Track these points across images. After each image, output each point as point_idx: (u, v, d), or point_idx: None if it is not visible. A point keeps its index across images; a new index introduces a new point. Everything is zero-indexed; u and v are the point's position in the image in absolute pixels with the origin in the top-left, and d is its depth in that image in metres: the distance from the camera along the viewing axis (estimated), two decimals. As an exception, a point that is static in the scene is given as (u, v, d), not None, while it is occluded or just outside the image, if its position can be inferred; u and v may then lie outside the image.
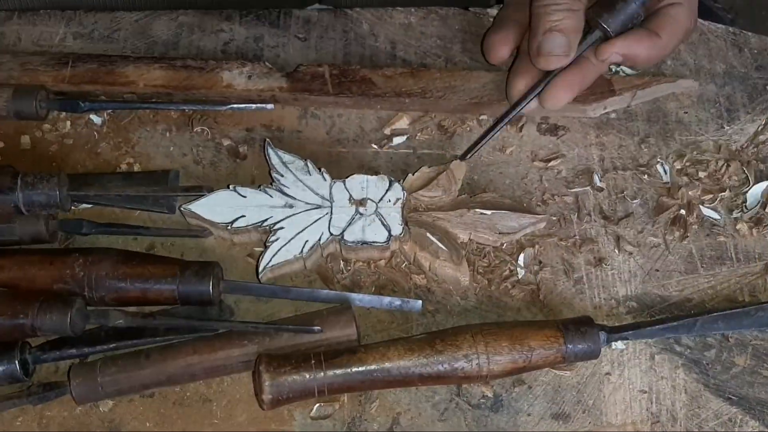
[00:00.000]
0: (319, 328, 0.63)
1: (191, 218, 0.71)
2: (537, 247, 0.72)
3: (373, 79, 0.78)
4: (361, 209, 0.70)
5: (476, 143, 0.74)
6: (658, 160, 0.77)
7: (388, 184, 0.71)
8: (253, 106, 0.78)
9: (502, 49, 0.76)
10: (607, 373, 0.67)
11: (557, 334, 0.64)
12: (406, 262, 0.72)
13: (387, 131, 0.78)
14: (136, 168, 0.77)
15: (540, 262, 0.72)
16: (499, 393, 0.67)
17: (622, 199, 0.75)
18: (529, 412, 0.66)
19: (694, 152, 0.77)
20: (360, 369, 0.60)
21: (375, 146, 0.78)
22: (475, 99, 0.77)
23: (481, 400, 0.66)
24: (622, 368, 0.68)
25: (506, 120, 0.74)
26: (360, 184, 0.71)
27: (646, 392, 0.67)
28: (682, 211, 0.74)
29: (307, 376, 0.60)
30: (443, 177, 0.72)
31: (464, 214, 0.71)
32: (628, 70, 0.81)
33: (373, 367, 0.60)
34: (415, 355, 0.61)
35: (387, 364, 0.60)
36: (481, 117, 0.79)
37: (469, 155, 0.74)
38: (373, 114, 0.79)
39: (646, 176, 0.76)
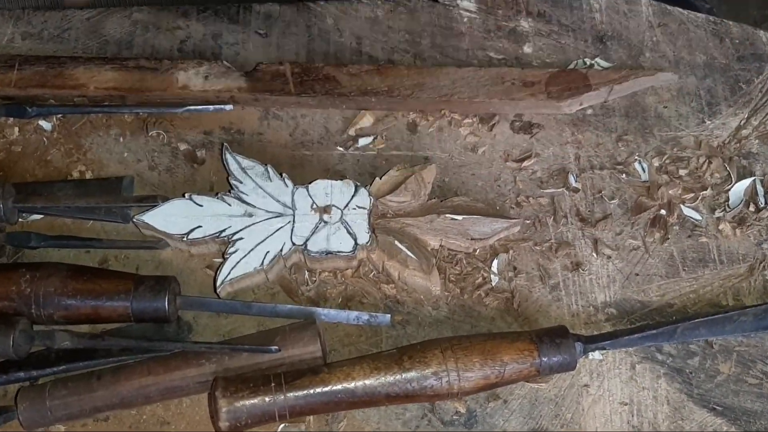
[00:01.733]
0: (276, 348, 0.60)
1: (145, 229, 0.67)
2: (511, 252, 0.69)
3: (338, 77, 0.74)
4: (325, 217, 0.67)
5: None
6: (637, 157, 0.73)
7: (353, 190, 0.68)
8: (211, 107, 0.74)
9: None
10: (586, 385, 0.64)
11: (531, 347, 0.60)
12: (374, 271, 0.68)
13: (352, 132, 0.74)
14: (89, 175, 0.73)
15: (515, 268, 0.69)
16: (473, 408, 0.63)
17: (599, 200, 0.71)
18: (504, 428, 0.63)
19: (674, 149, 0.74)
20: (323, 390, 0.57)
21: (341, 148, 0.74)
22: (444, 97, 0.73)
23: (455, 417, 0.63)
24: (602, 379, 0.65)
25: None
26: (324, 189, 0.68)
27: (627, 404, 0.64)
28: (663, 212, 0.71)
29: (267, 400, 0.56)
30: (412, 180, 0.69)
31: (434, 219, 0.67)
32: (604, 63, 0.77)
33: (337, 387, 0.57)
34: (381, 374, 0.58)
35: (352, 385, 0.57)
36: (448, 116, 0.75)
37: None
38: (338, 114, 0.75)
39: (624, 175, 0.73)
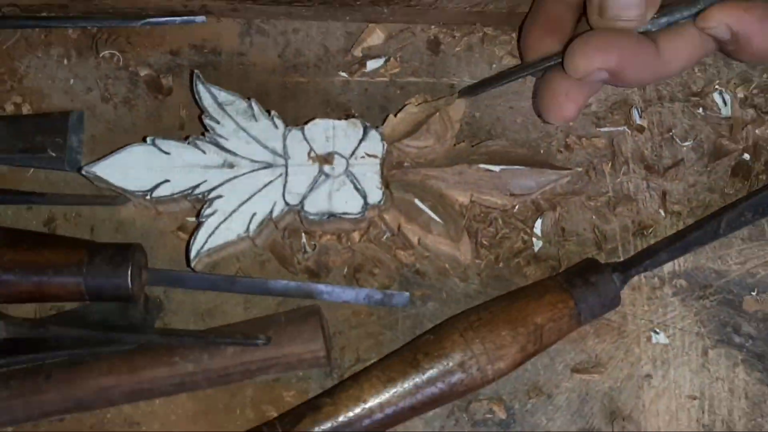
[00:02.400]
0: (264, 340, 0.47)
1: (99, 183, 0.53)
2: (559, 209, 0.55)
3: (340, -21, 0.58)
4: (326, 168, 0.52)
5: (489, 81, 0.55)
6: (717, 87, 0.58)
7: (362, 132, 0.53)
8: (178, 19, 0.58)
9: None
10: (648, 375, 0.53)
11: (564, 297, 0.50)
12: (386, 233, 0.55)
13: (358, 52, 0.59)
14: (26, 110, 0.57)
15: (563, 230, 0.55)
16: (510, 406, 0.52)
17: (668, 142, 0.57)
18: (548, 427, 0.52)
19: (764, 75, 0.58)
20: (332, 427, 0.45)
21: (344, 73, 0.58)
22: (477, 7, 0.57)
23: (487, 416, 0.52)
24: (667, 368, 0.53)
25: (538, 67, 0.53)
26: (324, 132, 0.53)
27: (696, 398, 0.52)
28: (747, 156, 0.57)
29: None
30: (435, 119, 0.54)
31: (464, 170, 0.53)
32: None
33: (349, 416, 0.45)
34: (397, 384, 0.46)
35: (366, 408, 0.45)
36: (480, 31, 0.59)
37: (473, 93, 0.55)
38: (340, 28, 0.59)
39: (700, 109, 0.58)
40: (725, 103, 0.58)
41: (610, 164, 0.56)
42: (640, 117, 0.57)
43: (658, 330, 0.53)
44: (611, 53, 0.47)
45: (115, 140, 0.55)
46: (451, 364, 0.48)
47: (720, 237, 0.53)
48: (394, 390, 0.46)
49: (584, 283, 0.50)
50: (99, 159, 0.52)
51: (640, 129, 0.57)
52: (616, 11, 0.47)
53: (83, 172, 0.52)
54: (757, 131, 0.57)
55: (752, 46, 0.48)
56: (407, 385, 0.46)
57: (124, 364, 0.49)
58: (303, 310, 0.50)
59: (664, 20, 0.48)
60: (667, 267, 0.54)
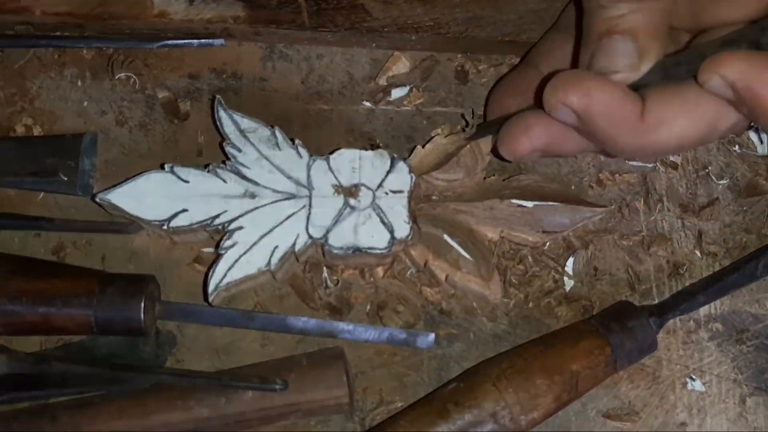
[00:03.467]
0: (281, 386, 0.45)
1: (113, 210, 0.51)
2: (591, 247, 0.53)
3: (367, 5, 0.56)
4: (351, 201, 0.50)
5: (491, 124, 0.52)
6: (752, 124, 0.56)
7: (389, 163, 0.51)
8: (196, 42, 0.56)
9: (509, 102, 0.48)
10: (683, 423, 0.51)
11: (600, 343, 0.48)
12: (411, 269, 0.52)
13: (383, 80, 0.57)
14: (36, 132, 0.55)
15: (595, 269, 0.53)
16: (537, 454, 0.49)
17: (704, 179, 0.55)
18: (578, 479, 0.49)
19: (801, 113, 0.57)
20: None
21: (368, 102, 0.56)
22: (509, 36, 0.55)
23: (515, 465, 0.49)
24: (703, 416, 0.51)
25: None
26: (350, 162, 0.51)
27: (734, 449, 0.50)
28: (784, 195, 0.55)
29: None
30: (466, 152, 0.52)
31: (496, 206, 0.51)
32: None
33: None
34: (426, 437, 0.43)
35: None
36: (511, 61, 0.57)
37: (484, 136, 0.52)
38: (365, 55, 0.57)
39: (736, 147, 0.56)
40: (762, 141, 0.56)
41: (642, 201, 0.54)
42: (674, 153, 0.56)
43: (694, 376, 0.51)
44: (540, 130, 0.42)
45: (130, 166, 0.53)
46: (483, 414, 0.46)
47: (758, 279, 0.52)
48: (423, 443, 0.43)
49: (621, 329, 0.48)
50: (114, 186, 0.50)
51: (674, 166, 0.55)
52: (603, 63, 0.41)
53: (97, 200, 0.50)
54: (794, 170, 0.55)
55: (761, 104, 0.37)
56: (435, 436, 0.44)
57: (135, 408, 0.46)
58: (326, 353, 0.48)
59: (660, 72, 0.40)
60: (703, 310, 0.52)
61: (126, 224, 0.52)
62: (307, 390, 0.45)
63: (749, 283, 0.52)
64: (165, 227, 0.49)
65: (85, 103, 0.56)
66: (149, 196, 0.50)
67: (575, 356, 0.47)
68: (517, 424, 0.46)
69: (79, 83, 0.56)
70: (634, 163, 0.55)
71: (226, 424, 0.46)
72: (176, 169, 0.50)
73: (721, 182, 0.55)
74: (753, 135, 0.56)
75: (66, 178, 0.52)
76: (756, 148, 0.56)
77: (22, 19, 0.55)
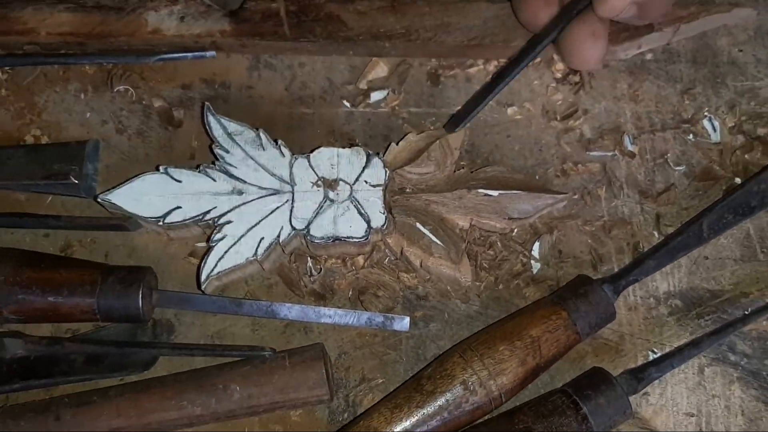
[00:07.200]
0: (269, 351, 0.50)
1: (113, 209, 0.55)
2: (556, 232, 0.57)
3: (343, 16, 0.61)
4: (331, 194, 0.54)
5: (471, 105, 0.57)
6: (706, 113, 0.61)
7: (365, 160, 0.55)
8: (189, 55, 0.61)
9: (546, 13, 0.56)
10: (645, 393, 0.54)
11: (556, 309, 0.51)
12: (389, 257, 0.56)
13: (363, 85, 0.61)
14: (45, 140, 0.60)
15: (560, 252, 0.57)
16: (511, 424, 0.53)
17: (661, 167, 0.59)
18: (549, 445, 0.53)
19: (752, 103, 0.61)
20: None
21: (348, 104, 0.61)
22: (474, 40, 0.60)
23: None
24: (664, 386, 0.54)
25: (515, 74, 0.57)
26: (329, 160, 0.55)
27: (693, 415, 0.53)
28: (737, 180, 0.59)
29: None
30: (436, 147, 0.56)
31: (464, 195, 0.55)
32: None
33: None
34: (405, 410, 0.47)
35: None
36: (477, 63, 0.62)
37: (460, 125, 0.57)
38: (344, 62, 0.62)
39: (690, 136, 0.60)
40: (714, 129, 0.60)
41: (604, 189, 0.58)
42: (632, 143, 0.60)
43: (655, 349, 0.55)
44: None
45: (129, 170, 0.58)
46: (453, 383, 0.49)
47: (706, 241, 0.55)
48: (403, 418, 0.47)
49: (575, 295, 0.52)
50: (114, 187, 0.55)
51: (631, 155, 0.59)
52: None
53: (99, 200, 0.54)
54: (746, 156, 0.59)
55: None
56: (415, 410, 0.47)
57: (131, 407, 0.50)
58: (307, 352, 0.51)
59: None
60: (662, 287, 0.56)
61: (125, 220, 0.56)
62: (290, 391, 0.49)
63: (698, 244, 0.54)
64: (161, 223, 0.54)
65: (88, 114, 0.61)
66: (146, 196, 0.54)
67: (532, 322, 0.51)
68: (487, 389, 0.49)
69: (82, 96, 0.61)
70: (595, 153, 0.59)
71: (217, 419, 0.50)
72: (170, 170, 0.55)
73: (677, 168, 0.59)
74: (707, 124, 0.60)
75: (71, 181, 0.57)
76: (710, 136, 0.60)
77: (29, 39, 0.61)
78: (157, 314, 0.55)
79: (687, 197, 0.58)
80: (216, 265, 0.53)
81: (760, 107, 0.61)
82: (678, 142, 0.60)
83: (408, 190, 0.56)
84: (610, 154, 0.59)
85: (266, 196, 0.55)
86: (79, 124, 0.61)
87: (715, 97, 0.61)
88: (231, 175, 0.55)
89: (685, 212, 0.58)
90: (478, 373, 0.49)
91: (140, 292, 0.52)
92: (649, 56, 0.62)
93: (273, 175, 0.55)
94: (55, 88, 0.61)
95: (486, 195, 0.55)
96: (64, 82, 0.61)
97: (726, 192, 0.58)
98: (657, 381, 0.54)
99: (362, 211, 0.54)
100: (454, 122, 0.57)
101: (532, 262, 0.57)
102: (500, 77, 0.57)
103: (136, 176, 0.55)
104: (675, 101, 0.61)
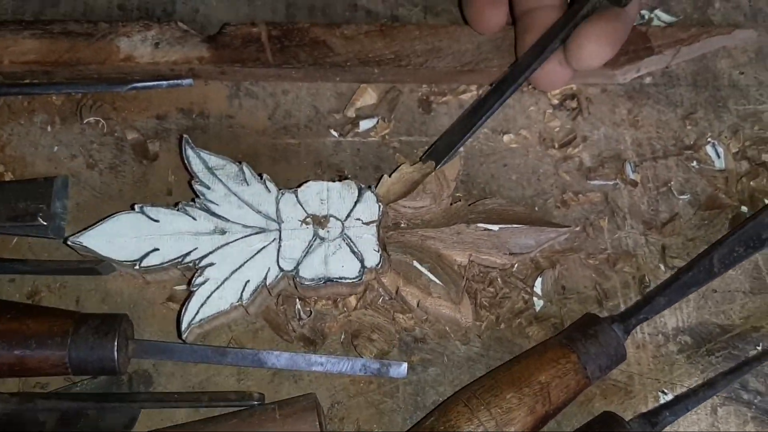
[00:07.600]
0: (258, 399, 0.46)
1: (85, 252, 0.51)
2: (558, 267, 0.54)
3: (329, 41, 0.57)
4: (321, 231, 0.51)
5: (452, 138, 0.55)
6: (709, 139, 0.58)
7: (357, 194, 0.52)
8: (165, 83, 0.57)
9: (492, 12, 0.56)
10: (658, 436, 0.51)
11: (565, 351, 0.48)
12: (383, 297, 0.53)
13: (351, 113, 0.58)
14: (9, 177, 0.56)
15: (563, 288, 0.54)
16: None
17: (665, 196, 0.57)
18: (558, 496, 0.50)
19: (755, 127, 0.59)
20: None
21: (336, 134, 0.58)
22: (467, 65, 0.57)
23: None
24: (676, 428, 0.51)
25: (497, 105, 0.54)
26: (318, 194, 0.52)
27: (708, 458, 0.51)
28: (744, 208, 0.56)
29: None
30: (432, 179, 0.53)
31: (462, 230, 0.52)
32: (666, 17, 0.62)
33: None
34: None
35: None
36: (470, 89, 0.59)
37: (441, 162, 0.54)
38: (330, 89, 0.59)
39: (694, 163, 0.58)
40: (718, 156, 0.58)
41: (607, 220, 0.56)
42: (634, 171, 0.57)
43: (665, 390, 0.52)
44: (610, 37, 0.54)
45: (101, 208, 0.54)
46: (459, 435, 0.46)
47: (716, 276, 0.52)
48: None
49: (584, 336, 0.49)
50: (85, 228, 0.51)
51: (633, 184, 0.57)
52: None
53: (69, 243, 0.50)
54: (752, 183, 0.57)
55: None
56: (416, 464, 0.44)
57: None
58: (299, 403, 0.47)
59: None
60: (671, 324, 0.53)
61: (97, 262, 0.52)
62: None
63: (708, 279, 0.52)
64: (137, 267, 0.50)
65: (56, 148, 0.57)
66: (120, 237, 0.50)
67: (541, 367, 0.48)
68: (496, 442, 0.47)
69: (49, 128, 0.57)
70: (595, 182, 0.57)
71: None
72: (146, 209, 0.51)
73: (681, 197, 0.57)
74: (710, 150, 0.58)
75: (38, 222, 0.52)
76: (714, 162, 0.58)
77: (-10, 68, 0.57)
78: (133, 365, 0.51)
79: (692, 227, 0.56)
80: (198, 311, 0.49)
81: (764, 131, 0.59)
82: (681, 170, 0.57)
83: (403, 225, 0.53)
84: (611, 183, 0.57)
85: (251, 235, 0.51)
86: (47, 158, 0.56)
87: (718, 122, 0.59)
88: (213, 213, 0.51)
89: (690, 243, 0.55)
90: (485, 423, 0.46)
91: (115, 342, 0.48)
92: (648, 80, 0.60)
93: (258, 212, 0.51)
94: (19, 120, 0.57)
95: (486, 230, 0.52)
96: (30, 113, 0.57)
97: (733, 222, 0.56)
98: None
99: (355, 250, 0.50)
100: (435, 157, 0.54)
101: (535, 299, 0.54)
102: (482, 107, 0.54)
103: (109, 216, 0.51)
104: (676, 126, 0.59)
